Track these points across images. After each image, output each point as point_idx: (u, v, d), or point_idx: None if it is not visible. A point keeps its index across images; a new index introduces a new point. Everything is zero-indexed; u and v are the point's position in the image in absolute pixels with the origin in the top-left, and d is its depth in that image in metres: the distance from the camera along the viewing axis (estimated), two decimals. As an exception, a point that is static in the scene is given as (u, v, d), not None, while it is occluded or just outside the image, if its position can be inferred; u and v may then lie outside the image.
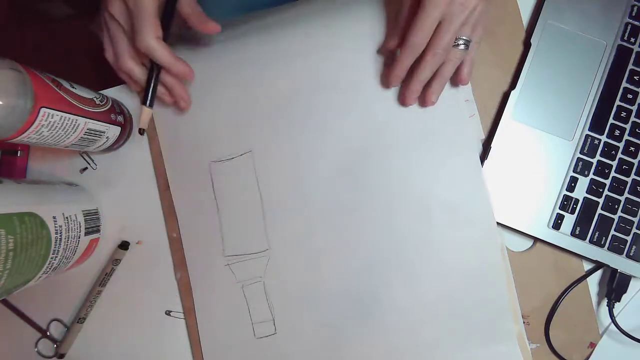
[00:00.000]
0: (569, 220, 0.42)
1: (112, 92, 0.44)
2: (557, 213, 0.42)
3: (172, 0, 0.38)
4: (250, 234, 0.42)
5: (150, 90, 0.38)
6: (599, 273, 0.43)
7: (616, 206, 0.41)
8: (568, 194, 0.42)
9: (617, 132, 0.42)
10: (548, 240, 0.42)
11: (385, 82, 0.41)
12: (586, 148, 0.42)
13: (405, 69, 0.38)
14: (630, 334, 0.41)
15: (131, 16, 0.36)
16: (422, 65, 0.37)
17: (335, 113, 0.42)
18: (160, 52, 0.37)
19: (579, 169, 0.42)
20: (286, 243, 0.42)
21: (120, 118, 0.41)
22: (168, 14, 0.38)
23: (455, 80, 0.40)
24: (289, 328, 0.42)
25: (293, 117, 0.43)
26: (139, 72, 0.39)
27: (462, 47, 0.37)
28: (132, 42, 0.37)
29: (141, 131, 0.39)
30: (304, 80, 0.43)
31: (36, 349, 0.44)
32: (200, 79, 0.42)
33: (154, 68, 0.38)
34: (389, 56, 0.42)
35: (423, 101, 0.40)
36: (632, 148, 0.42)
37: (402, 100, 0.41)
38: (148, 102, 0.38)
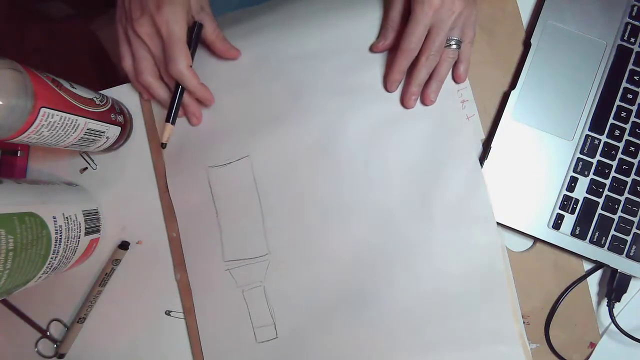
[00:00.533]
0: (569, 220, 0.42)
1: (112, 92, 0.44)
2: (557, 213, 0.42)
3: (199, 28, 0.40)
4: (250, 238, 0.42)
5: (174, 109, 0.41)
6: (599, 273, 0.43)
7: (616, 206, 0.41)
8: (568, 194, 0.42)
9: (617, 132, 0.42)
10: (548, 240, 0.42)
11: (385, 86, 0.42)
12: (586, 148, 0.42)
13: (402, 73, 0.41)
14: (630, 334, 0.41)
15: (164, 44, 0.38)
16: (417, 68, 0.40)
17: (335, 116, 0.42)
18: (191, 79, 0.39)
19: (579, 169, 0.42)
20: (286, 247, 0.42)
21: (120, 118, 0.41)
22: (194, 43, 0.40)
23: (453, 79, 0.42)
24: (290, 332, 0.42)
25: (291, 121, 0.42)
26: (157, 88, 0.41)
27: (454, 46, 0.40)
28: (162, 66, 0.40)
29: (163, 145, 0.41)
30: (302, 83, 0.43)
31: (36, 349, 0.44)
32: None
33: (178, 89, 0.40)
34: (389, 60, 0.42)
35: (423, 100, 0.42)
36: (632, 148, 0.42)
37: (403, 102, 0.42)
38: (171, 120, 0.41)
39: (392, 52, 0.41)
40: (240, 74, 0.43)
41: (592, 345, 0.42)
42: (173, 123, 0.41)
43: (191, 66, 0.39)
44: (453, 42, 0.39)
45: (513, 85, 0.43)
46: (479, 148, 0.43)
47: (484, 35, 0.44)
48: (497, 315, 0.40)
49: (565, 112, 0.43)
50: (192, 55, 0.40)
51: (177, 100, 0.41)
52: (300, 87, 0.43)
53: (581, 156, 0.42)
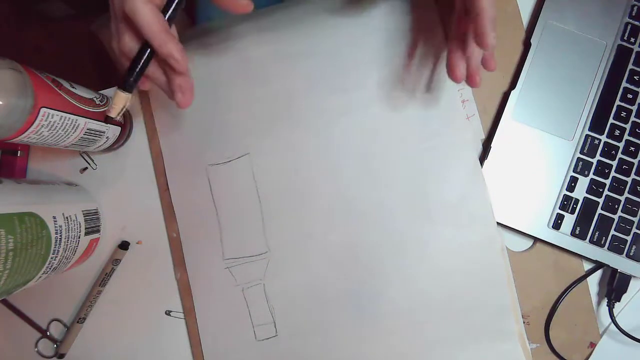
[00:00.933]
0: (569, 220, 0.42)
1: (112, 92, 0.44)
2: (557, 213, 0.42)
3: None
4: (250, 236, 0.42)
5: (136, 72, 0.29)
6: (599, 273, 0.43)
7: (616, 206, 0.41)
8: (568, 194, 0.42)
9: (617, 132, 0.42)
10: (548, 240, 0.42)
11: (450, 72, 0.36)
12: (586, 148, 0.42)
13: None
14: (630, 334, 0.41)
15: None
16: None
17: (334, 115, 0.42)
18: (147, 19, 0.27)
19: (579, 169, 0.42)
20: (286, 245, 0.42)
21: (120, 118, 0.41)
22: None
23: (485, 67, 0.37)
24: (290, 330, 0.42)
25: (291, 119, 0.42)
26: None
27: None
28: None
29: (107, 119, 0.31)
30: (303, 82, 0.43)
31: (36, 349, 0.44)
32: (197, 80, 0.42)
33: (144, 45, 0.30)
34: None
35: (487, 67, 0.37)
36: (632, 148, 0.42)
37: (472, 84, 0.36)
38: (126, 84, 0.29)
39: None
40: (241, 72, 0.43)
41: (592, 345, 0.42)
42: (128, 91, 0.30)
43: (169, 21, 0.29)
44: None
45: (513, 85, 0.43)
46: (479, 148, 0.43)
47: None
48: (497, 315, 0.40)
49: (565, 112, 0.43)
50: (170, 7, 0.29)
51: (143, 60, 0.29)
52: (301, 86, 0.43)
53: (581, 156, 0.42)
